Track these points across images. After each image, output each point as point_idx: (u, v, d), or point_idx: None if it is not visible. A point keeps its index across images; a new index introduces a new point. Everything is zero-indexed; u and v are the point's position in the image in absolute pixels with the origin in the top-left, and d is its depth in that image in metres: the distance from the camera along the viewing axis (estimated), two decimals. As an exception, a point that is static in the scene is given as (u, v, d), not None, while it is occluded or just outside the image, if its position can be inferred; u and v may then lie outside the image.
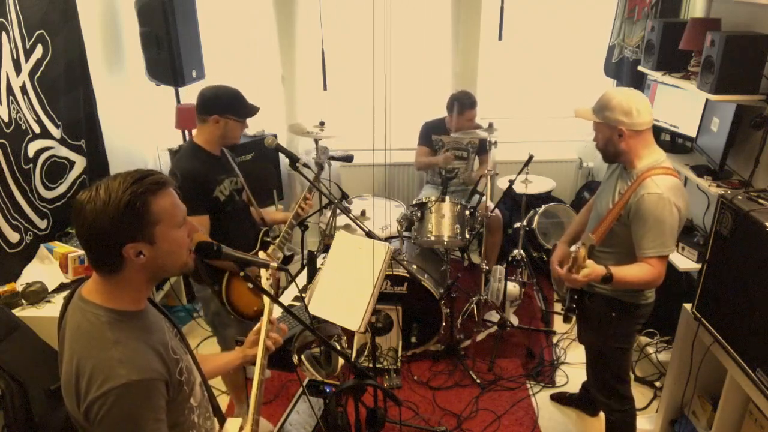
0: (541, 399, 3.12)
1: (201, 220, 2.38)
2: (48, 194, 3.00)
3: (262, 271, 1.73)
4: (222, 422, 1.52)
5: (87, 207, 1.20)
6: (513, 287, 3.58)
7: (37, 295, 2.58)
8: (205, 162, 2.45)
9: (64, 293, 2.66)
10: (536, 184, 3.88)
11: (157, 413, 1.23)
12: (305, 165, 2.58)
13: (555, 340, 3.59)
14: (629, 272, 2.05)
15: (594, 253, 1.94)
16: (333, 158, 3.52)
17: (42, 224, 2.94)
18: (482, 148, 4.03)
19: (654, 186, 2.00)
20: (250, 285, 2.12)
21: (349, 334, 2.67)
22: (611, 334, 2.30)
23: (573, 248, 1.97)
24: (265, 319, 1.67)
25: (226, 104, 2.43)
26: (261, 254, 2.32)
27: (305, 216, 2.80)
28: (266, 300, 1.68)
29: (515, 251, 3.91)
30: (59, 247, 2.85)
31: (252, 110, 2.51)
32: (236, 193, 2.56)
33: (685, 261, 2.91)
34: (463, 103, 3.81)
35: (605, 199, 2.23)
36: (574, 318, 2.33)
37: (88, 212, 1.20)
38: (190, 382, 1.38)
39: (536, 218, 4.06)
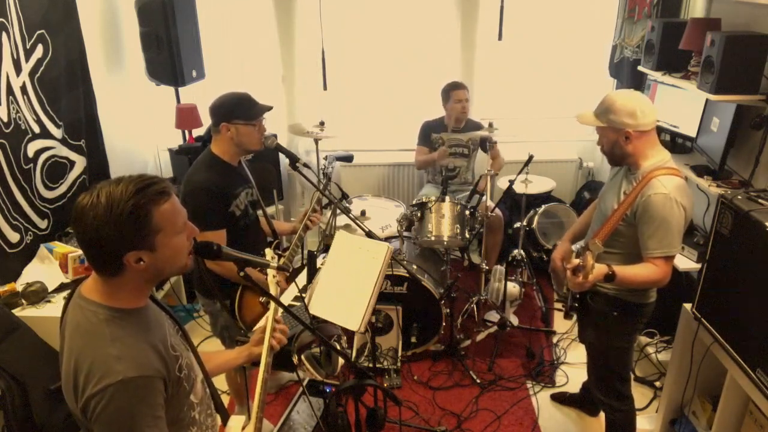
0: (541, 399, 3.11)
1: (218, 235, 2.34)
2: (48, 194, 3.00)
3: (269, 271, 1.74)
4: (225, 419, 1.52)
5: (89, 213, 1.18)
6: (513, 287, 3.58)
7: (37, 295, 2.59)
8: (221, 173, 2.39)
9: (64, 293, 2.67)
10: (536, 184, 3.88)
11: (154, 410, 1.24)
12: (305, 165, 2.57)
13: (555, 340, 3.59)
14: (633, 271, 2.05)
15: (600, 256, 1.93)
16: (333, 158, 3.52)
17: (42, 224, 2.94)
18: (483, 147, 4.03)
19: (661, 186, 2.00)
20: (252, 284, 2.12)
21: (349, 334, 2.67)
22: (612, 333, 2.30)
23: (575, 247, 1.97)
24: (270, 316, 1.68)
25: (230, 110, 2.36)
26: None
27: (313, 228, 2.78)
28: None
29: (515, 251, 3.91)
30: (59, 247, 2.86)
31: (260, 110, 2.42)
32: (250, 206, 2.52)
33: (685, 261, 2.91)
34: (450, 85, 3.93)
35: (610, 199, 2.22)
36: (575, 316, 2.32)
37: (89, 219, 1.18)
38: (191, 379, 1.38)
39: (536, 218, 4.06)
